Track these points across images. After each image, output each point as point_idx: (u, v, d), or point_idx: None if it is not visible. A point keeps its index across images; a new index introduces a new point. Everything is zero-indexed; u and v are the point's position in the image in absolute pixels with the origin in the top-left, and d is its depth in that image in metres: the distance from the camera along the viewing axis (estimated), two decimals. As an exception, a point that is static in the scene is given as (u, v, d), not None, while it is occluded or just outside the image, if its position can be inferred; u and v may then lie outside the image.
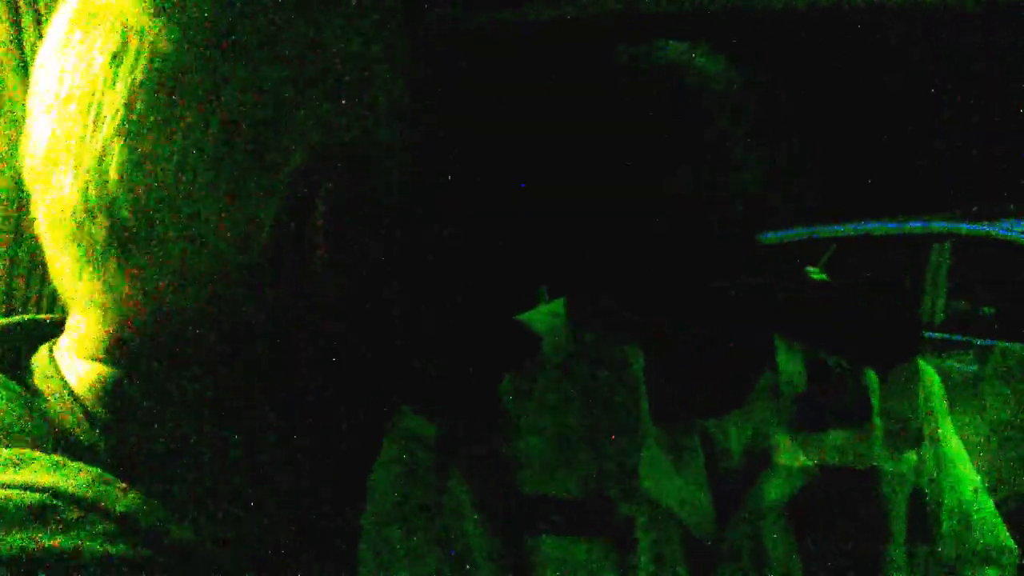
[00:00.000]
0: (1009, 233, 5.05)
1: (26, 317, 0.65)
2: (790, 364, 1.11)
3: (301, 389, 0.60)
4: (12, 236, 1.23)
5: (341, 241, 0.58)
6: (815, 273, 1.23)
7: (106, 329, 0.58)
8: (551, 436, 1.08)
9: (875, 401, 1.13)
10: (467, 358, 1.15)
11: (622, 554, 1.05)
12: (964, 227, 5.24)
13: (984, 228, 5.16)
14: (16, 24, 1.20)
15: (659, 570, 1.05)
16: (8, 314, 0.86)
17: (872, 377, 1.14)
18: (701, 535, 1.06)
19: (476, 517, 1.08)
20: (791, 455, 1.09)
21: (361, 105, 0.59)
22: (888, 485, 1.12)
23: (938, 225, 5.38)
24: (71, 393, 0.57)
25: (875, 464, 1.11)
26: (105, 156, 0.55)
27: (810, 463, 1.08)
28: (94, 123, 0.55)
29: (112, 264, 0.56)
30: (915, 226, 5.53)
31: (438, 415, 1.10)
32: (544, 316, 1.17)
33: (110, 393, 0.57)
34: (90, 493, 0.52)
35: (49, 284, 1.21)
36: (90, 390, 0.57)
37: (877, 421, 1.13)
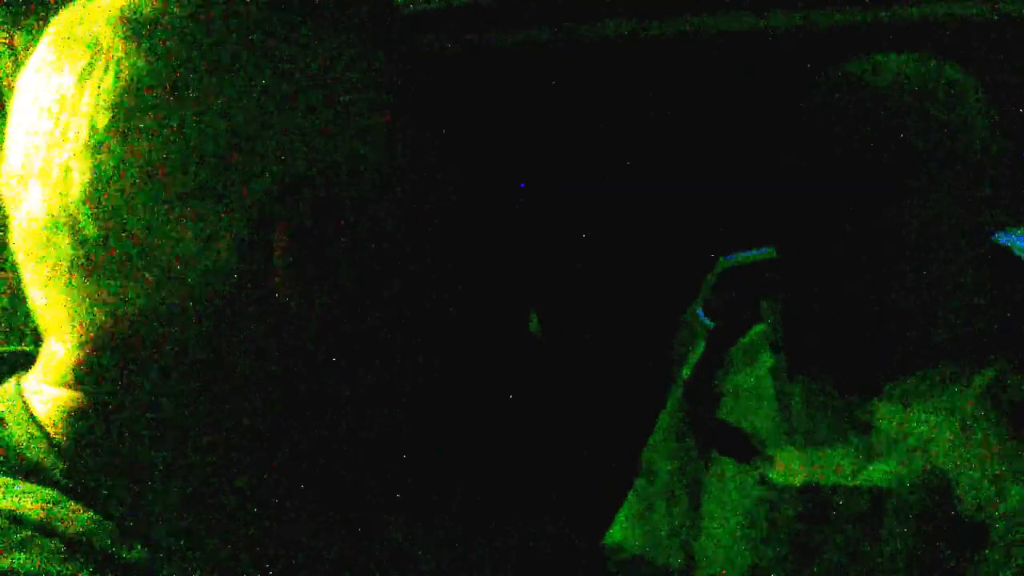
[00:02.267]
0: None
1: None
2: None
3: (283, 409, 0.60)
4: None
5: (305, 271, 0.57)
6: None
7: (73, 351, 0.58)
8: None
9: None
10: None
11: (769, 483, 1.15)
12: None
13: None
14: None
15: None
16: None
17: None
18: None
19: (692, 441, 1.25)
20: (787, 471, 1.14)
21: (333, 132, 0.58)
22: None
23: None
24: (33, 419, 0.57)
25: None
26: (69, 172, 0.55)
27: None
28: (61, 139, 0.55)
29: (77, 281, 0.56)
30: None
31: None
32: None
33: (75, 418, 0.57)
34: (41, 514, 0.52)
35: (20, 320, 1.21)
36: (55, 416, 0.57)
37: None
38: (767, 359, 1.24)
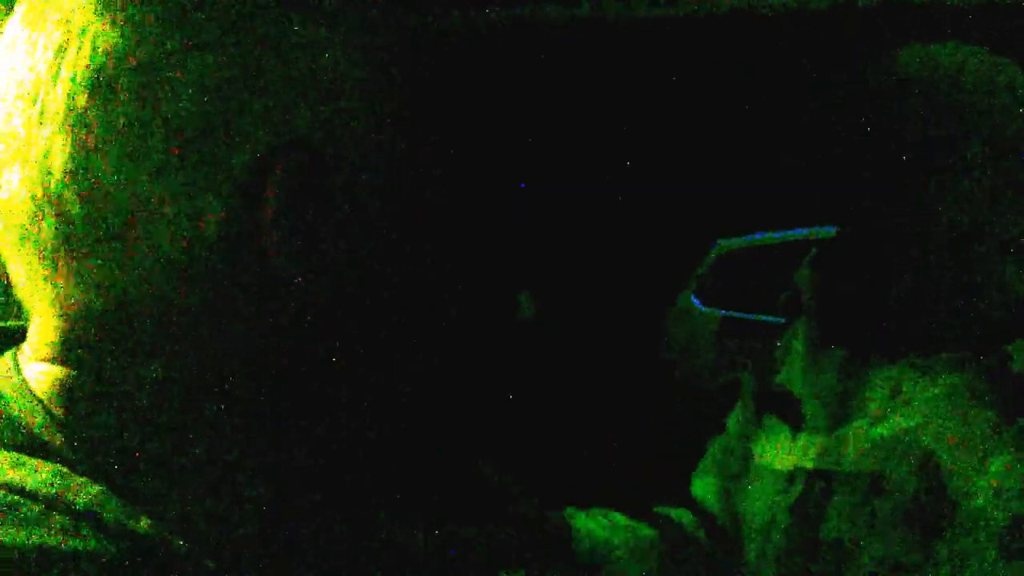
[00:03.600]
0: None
1: None
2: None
3: (284, 384, 0.60)
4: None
5: (296, 235, 0.56)
6: None
7: (59, 329, 0.57)
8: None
9: None
10: None
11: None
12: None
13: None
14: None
15: None
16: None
17: None
18: None
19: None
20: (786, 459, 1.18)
21: (320, 102, 0.58)
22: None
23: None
24: (32, 393, 0.57)
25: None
26: (50, 152, 0.54)
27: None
28: (39, 119, 0.55)
29: (62, 262, 0.56)
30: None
31: None
32: None
33: (66, 393, 0.57)
34: (51, 489, 0.52)
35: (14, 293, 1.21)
36: (48, 391, 0.57)
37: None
38: (801, 326, 1.27)
